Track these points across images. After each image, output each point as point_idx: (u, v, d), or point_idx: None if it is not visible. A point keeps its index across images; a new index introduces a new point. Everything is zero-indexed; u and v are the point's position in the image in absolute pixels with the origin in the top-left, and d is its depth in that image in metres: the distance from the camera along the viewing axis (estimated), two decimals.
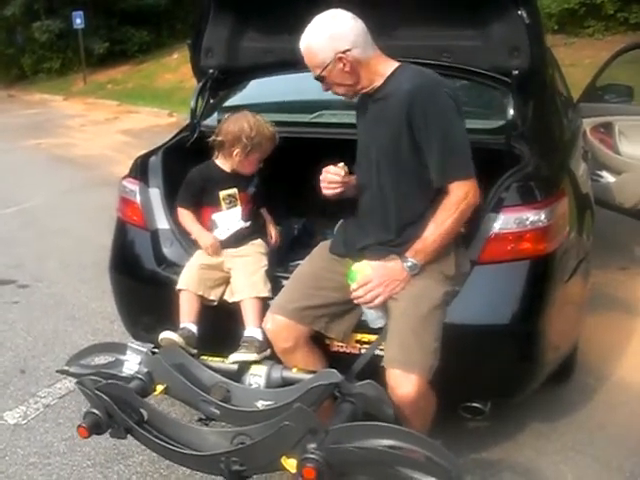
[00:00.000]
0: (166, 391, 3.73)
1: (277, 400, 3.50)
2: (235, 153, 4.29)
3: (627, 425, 4.63)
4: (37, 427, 4.85)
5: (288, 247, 4.93)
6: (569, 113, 6.54)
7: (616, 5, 17.82)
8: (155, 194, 4.65)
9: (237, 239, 4.34)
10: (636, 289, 6.66)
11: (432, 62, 4.21)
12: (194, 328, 4.05)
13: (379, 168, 3.77)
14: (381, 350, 3.68)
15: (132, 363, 3.89)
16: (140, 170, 4.82)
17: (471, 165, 3.62)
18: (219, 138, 4.35)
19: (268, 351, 3.92)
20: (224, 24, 5.16)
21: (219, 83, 5.46)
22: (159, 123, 18.64)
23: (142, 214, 4.62)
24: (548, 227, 3.89)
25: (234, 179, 4.37)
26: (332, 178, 3.86)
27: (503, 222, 3.87)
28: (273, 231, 4.65)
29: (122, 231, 4.81)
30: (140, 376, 3.71)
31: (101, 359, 4.14)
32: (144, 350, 3.92)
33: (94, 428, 3.47)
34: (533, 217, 3.86)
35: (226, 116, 4.58)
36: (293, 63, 4.26)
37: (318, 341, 3.93)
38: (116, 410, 3.44)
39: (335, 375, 3.43)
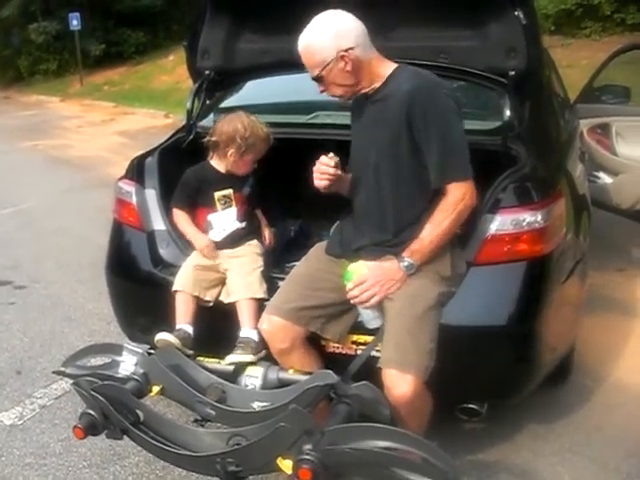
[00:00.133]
0: (162, 392, 3.73)
1: (273, 401, 3.50)
2: (229, 154, 4.29)
3: (624, 426, 4.62)
4: (33, 428, 4.84)
5: (284, 248, 4.93)
6: (566, 114, 6.56)
7: (613, 6, 17.85)
8: (151, 195, 4.64)
9: (233, 240, 4.33)
10: (633, 290, 6.66)
11: (429, 63, 4.20)
12: (190, 329, 4.05)
13: (377, 169, 3.76)
14: (377, 351, 3.67)
15: (128, 364, 3.89)
16: (136, 171, 4.81)
17: (469, 167, 3.62)
18: (213, 139, 4.35)
19: (264, 352, 3.92)
20: (220, 25, 5.16)
21: (215, 84, 5.45)
22: (155, 124, 18.64)
23: (138, 215, 4.61)
24: (545, 228, 3.89)
25: (229, 180, 4.36)
26: (324, 169, 3.83)
27: (500, 223, 3.86)
28: (267, 233, 4.63)
29: (118, 232, 4.81)
30: (136, 377, 3.71)
31: (97, 360, 4.14)
32: (140, 351, 3.92)
33: (90, 429, 3.47)
34: (530, 218, 3.86)
35: (221, 117, 4.58)
36: (289, 64, 4.25)
37: (314, 342, 3.92)
38: (112, 411, 3.44)
39: (331, 376, 3.43)
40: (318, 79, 3.72)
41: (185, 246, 4.40)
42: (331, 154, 3.84)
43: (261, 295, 4.08)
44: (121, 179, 4.86)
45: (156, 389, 3.71)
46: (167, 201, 4.52)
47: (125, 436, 3.55)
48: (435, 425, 3.72)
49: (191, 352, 3.95)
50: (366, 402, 3.43)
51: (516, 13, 4.30)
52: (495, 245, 3.86)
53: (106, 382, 3.56)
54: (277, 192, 5.09)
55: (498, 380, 4.01)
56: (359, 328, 3.89)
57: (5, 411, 5.06)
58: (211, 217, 4.34)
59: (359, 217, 3.96)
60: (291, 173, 4.87)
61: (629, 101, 7.36)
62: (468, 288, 3.82)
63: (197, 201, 4.37)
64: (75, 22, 28.06)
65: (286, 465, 3.11)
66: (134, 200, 4.65)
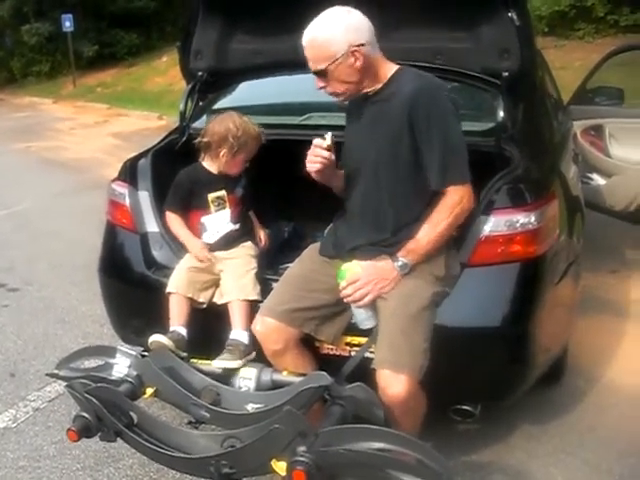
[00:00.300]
0: (156, 394, 3.73)
1: (267, 403, 3.50)
2: (222, 154, 4.28)
3: (617, 427, 4.63)
4: (27, 430, 4.84)
5: (278, 250, 4.92)
6: (559, 115, 6.56)
7: (606, 8, 17.87)
8: (144, 197, 4.63)
9: (227, 242, 4.33)
10: (626, 292, 6.67)
11: (423, 64, 4.20)
12: (184, 331, 4.04)
13: (376, 169, 3.76)
14: (371, 352, 3.67)
15: (122, 366, 3.89)
16: (129, 173, 4.81)
17: (468, 170, 3.63)
18: (205, 139, 4.34)
19: (253, 354, 3.92)
20: (213, 26, 5.16)
21: (208, 85, 5.45)
22: (149, 126, 18.62)
23: (131, 217, 4.60)
24: (538, 230, 3.89)
25: (222, 181, 4.36)
26: (317, 152, 3.79)
27: (493, 224, 3.87)
28: (262, 234, 4.64)
29: (111, 234, 4.80)
30: (130, 379, 3.70)
31: (91, 362, 4.12)
32: (134, 353, 3.91)
33: (84, 431, 3.47)
34: (523, 219, 3.86)
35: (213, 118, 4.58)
36: (282, 65, 4.25)
37: (308, 344, 3.92)
38: (106, 413, 3.43)
39: (325, 378, 3.43)
40: (321, 73, 3.65)
41: (178, 248, 4.39)
42: (329, 133, 3.79)
43: (254, 297, 4.08)
44: (114, 181, 4.85)
45: (150, 391, 3.70)
46: (160, 203, 4.51)
47: (119, 438, 3.54)
48: (429, 426, 3.72)
49: (185, 354, 3.94)
50: (360, 403, 3.43)
51: (509, 14, 4.31)
52: (489, 246, 3.87)
53: (100, 384, 3.56)
54: (271, 193, 5.09)
55: (492, 381, 4.01)
56: (353, 329, 3.88)
57: None
58: (204, 219, 4.34)
59: (354, 217, 3.95)
60: (285, 174, 4.88)
61: (622, 103, 7.36)
62: (462, 289, 3.82)
63: (190, 203, 4.36)
64: (68, 23, 28.05)
65: (280, 467, 3.11)
66: (127, 202, 4.64)
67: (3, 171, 14.04)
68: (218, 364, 3.83)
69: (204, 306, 4.18)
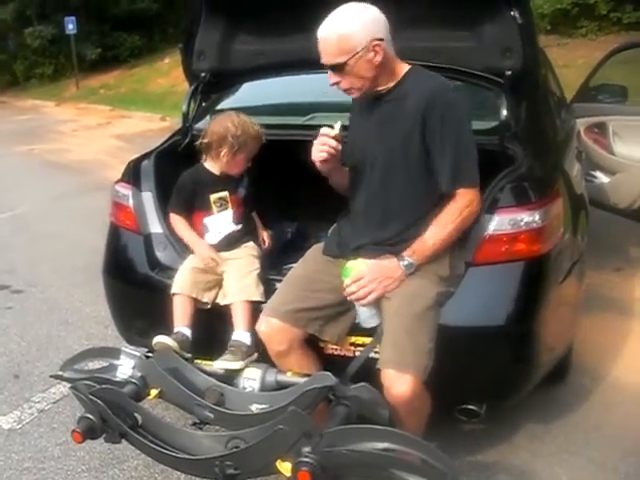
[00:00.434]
0: (160, 395, 3.72)
1: (271, 403, 3.49)
2: (222, 154, 4.29)
3: (622, 426, 4.62)
4: (31, 432, 4.83)
5: (281, 250, 4.92)
6: (563, 113, 6.55)
7: (609, 5, 17.85)
8: (148, 198, 4.63)
9: (229, 242, 4.33)
10: (631, 290, 6.66)
11: (426, 63, 4.19)
12: (188, 332, 4.03)
13: (386, 169, 3.75)
14: (376, 353, 3.66)
15: (126, 367, 3.88)
16: (132, 174, 4.80)
17: (478, 174, 3.63)
18: (205, 140, 4.35)
19: (255, 355, 3.92)
20: (216, 27, 5.15)
21: (211, 86, 5.44)
22: (151, 128, 18.64)
23: (135, 218, 4.60)
24: (542, 228, 3.88)
25: (224, 182, 4.36)
26: (324, 140, 3.74)
27: (497, 223, 3.86)
28: (265, 235, 4.64)
29: (115, 235, 4.80)
30: (134, 380, 3.69)
31: (95, 364, 4.13)
32: (138, 354, 3.91)
33: (88, 433, 3.46)
34: (527, 218, 3.85)
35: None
36: (285, 65, 4.24)
37: (312, 344, 3.91)
38: (110, 415, 3.43)
39: (329, 378, 3.42)
40: (338, 68, 3.59)
41: (182, 249, 4.38)
42: (338, 122, 3.75)
43: (257, 297, 4.08)
44: (118, 182, 4.85)
45: (154, 392, 3.70)
46: (164, 204, 4.51)
47: (123, 440, 3.53)
48: (434, 426, 3.72)
49: (189, 355, 3.94)
50: (365, 404, 3.42)
51: (512, 13, 4.30)
52: (493, 245, 3.86)
53: (104, 386, 3.56)
54: (274, 194, 5.09)
55: (496, 380, 4.00)
56: (357, 329, 3.88)
57: (3, 415, 5.05)
58: (207, 220, 4.34)
59: (358, 216, 3.94)
60: (288, 175, 4.87)
61: (626, 100, 7.35)
62: (466, 288, 3.82)
63: (194, 205, 4.36)
64: (71, 26, 28.07)
65: (285, 467, 3.10)
66: (131, 203, 4.64)
67: (6, 174, 14.03)
68: (220, 365, 3.82)
69: (208, 306, 4.17)
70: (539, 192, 4.01)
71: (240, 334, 3.97)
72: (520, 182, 4.05)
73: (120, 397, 3.51)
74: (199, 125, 5.20)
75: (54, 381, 5.09)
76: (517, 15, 4.30)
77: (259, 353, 3.92)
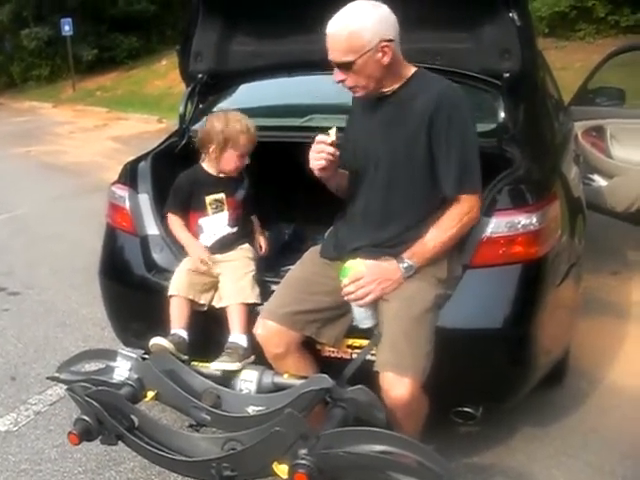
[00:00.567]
0: (157, 397, 3.71)
1: (268, 406, 3.48)
2: (211, 150, 4.29)
3: (619, 429, 4.62)
4: (28, 434, 4.83)
5: (278, 252, 4.91)
6: (560, 116, 6.55)
7: (607, 8, 17.93)
8: (144, 200, 4.62)
9: (223, 245, 4.32)
10: (628, 293, 6.66)
11: (424, 65, 4.18)
12: (185, 334, 4.02)
13: (389, 170, 3.73)
14: (373, 355, 3.66)
15: (122, 369, 3.86)
16: (129, 176, 4.80)
17: (480, 180, 3.63)
18: (196, 139, 4.38)
19: (252, 357, 3.90)
20: (213, 28, 5.15)
21: (208, 88, 5.44)
22: (148, 129, 18.68)
23: (131, 220, 4.59)
24: (540, 231, 3.88)
25: (222, 183, 4.36)
26: (321, 147, 3.70)
27: (495, 226, 3.85)
28: (262, 240, 4.63)
29: (111, 237, 4.79)
30: (130, 382, 3.69)
31: (91, 366, 4.12)
32: (134, 356, 3.89)
33: (85, 435, 3.45)
34: (525, 221, 3.85)
35: None
36: (283, 67, 4.24)
37: (309, 346, 3.90)
38: (106, 417, 3.42)
39: (326, 380, 3.41)
40: (346, 66, 3.55)
41: (179, 251, 4.37)
42: (333, 128, 3.71)
43: (253, 300, 4.07)
44: (114, 184, 4.84)
45: (151, 394, 3.69)
46: (160, 206, 4.51)
47: (120, 442, 3.52)
48: (430, 428, 3.72)
49: (186, 357, 3.93)
50: (361, 406, 3.41)
51: (510, 15, 4.30)
52: (490, 248, 3.85)
53: (100, 388, 3.55)
54: (271, 196, 5.07)
55: (493, 383, 3.99)
56: (354, 332, 3.87)
57: (0, 417, 5.04)
58: (202, 221, 4.34)
59: (357, 217, 3.92)
60: (285, 177, 4.87)
61: (624, 103, 7.37)
62: (464, 291, 3.81)
63: (190, 205, 4.36)
64: (67, 27, 28.13)
65: (282, 470, 3.10)
66: (127, 205, 4.63)
67: (3, 175, 14.05)
68: (216, 366, 3.81)
69: (205, 308, 4.17)
70: (536, 195, 4.01)
71: (236, 337, 3.96)
72: (517, 185, 4.04)
73: (117, 399, 3.50)
74: (196, 127, 5.18)
75: (51, 383, 5.09)
76: (516, 17, 4.30)
77: (256, 355, 3.91)
